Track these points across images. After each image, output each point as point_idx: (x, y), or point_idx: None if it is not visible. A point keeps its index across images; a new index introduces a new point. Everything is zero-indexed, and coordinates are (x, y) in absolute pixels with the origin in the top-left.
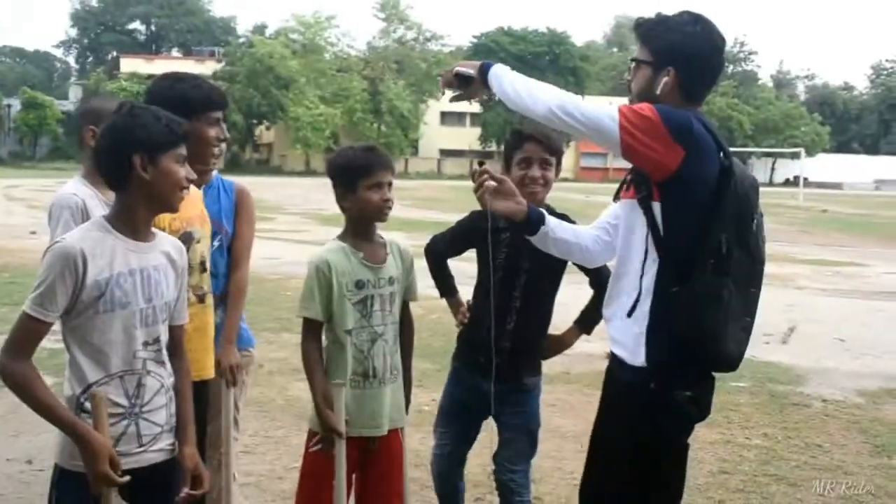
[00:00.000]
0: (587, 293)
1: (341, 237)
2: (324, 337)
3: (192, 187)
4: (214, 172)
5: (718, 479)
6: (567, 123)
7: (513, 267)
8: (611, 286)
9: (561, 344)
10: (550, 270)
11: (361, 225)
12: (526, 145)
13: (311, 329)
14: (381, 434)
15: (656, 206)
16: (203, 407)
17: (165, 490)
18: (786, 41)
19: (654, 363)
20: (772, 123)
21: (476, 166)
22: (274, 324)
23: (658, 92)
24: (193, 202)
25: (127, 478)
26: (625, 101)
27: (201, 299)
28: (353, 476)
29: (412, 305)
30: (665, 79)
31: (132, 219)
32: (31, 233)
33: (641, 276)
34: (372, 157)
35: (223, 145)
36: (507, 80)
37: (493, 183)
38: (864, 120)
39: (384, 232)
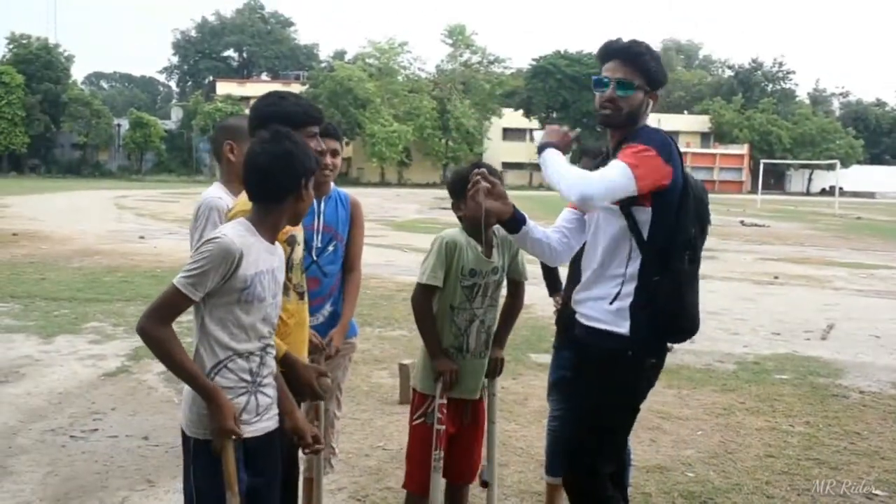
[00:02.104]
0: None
1: (465, 230)
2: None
3: None
4: (332, 185)
5: (764, 462)
6: (596, 205)
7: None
8: (590, 277)
9: None
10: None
11: (474, 228)
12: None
13: (428, 293)
14: (473, 397)
15: (639, 211)
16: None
17: (275, 455)
18: (821, 61)
19: (635, 335)
20: (809, 137)
21: (476, 169)
22: (356, 318)
23: (645, 112)
24: None
25: (252, 429)
26: (670, 116)
27: (301, 297)
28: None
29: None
30: (651, 102)
31: (275, 228)
32: (139, 237)
33: (626, 268)
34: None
35: (337, 159)
36: (551, 168)
37: (486, 185)
38: (895, 133)
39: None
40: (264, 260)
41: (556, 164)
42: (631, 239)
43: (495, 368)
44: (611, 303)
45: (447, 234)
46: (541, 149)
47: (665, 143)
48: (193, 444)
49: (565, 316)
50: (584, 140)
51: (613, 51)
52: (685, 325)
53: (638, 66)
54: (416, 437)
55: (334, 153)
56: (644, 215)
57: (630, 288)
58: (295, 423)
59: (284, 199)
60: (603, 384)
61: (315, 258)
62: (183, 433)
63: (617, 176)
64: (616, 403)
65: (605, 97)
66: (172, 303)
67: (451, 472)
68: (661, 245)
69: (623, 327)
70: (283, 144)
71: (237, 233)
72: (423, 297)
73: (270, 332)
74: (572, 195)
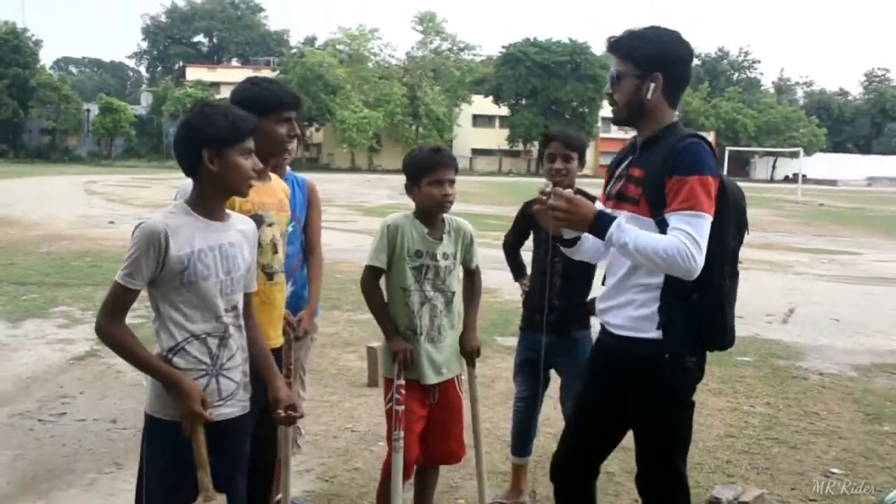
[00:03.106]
0: None
1: (414, 213)
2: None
3: (276, 178)
4: (288, 168)
5: (725, 441)
6: (700, 256)
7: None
8: (615, 284)
9: None
10: None
11: (425, 213)
12: (552, 143)
13: (374, 275)
14: (428, 382)
15: None
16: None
17: (239, 441)
18: (786, 51)
19: (667, 338)
20: (773, 125)
21: (545, 189)
22: (325, 302)
23: (648, 97)
24: (273, 191)
25: (214, 414)
26: None
27: (270, 277)
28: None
29: None
30: (653, 84)
31: (207, 203)
32: (109, 223)
33: (655, 278)
34: (435, 156)
35: (294, 142)
36: (636, 252)
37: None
38: (857, 122)
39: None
40: (203, 238)
41: (638, 246)
42: None
43: (473, 355)
44: (638, 308)
45: (390, 217)
46: (598, 232)
47: (706, 156)
48: (150, 422)
49: (531, 300)
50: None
51: (608, 47)
52: (726, 339)
53: (624, 53)
54: (389, 422)
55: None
56: None
57: (658, 294)
58: (274, 394)
59: (196, 171)
60: (655, 397)
61: None
62: (145, 412)
63: (698, 229)
64: (676, 411)
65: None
66: (117, 297)
67: (429, 455)
68: (705, 262)
69: (653, 332)
70: (188, 117)
71: (164, 214)
72: (369, 278)
73: (229, 310)
74: (676, 274)
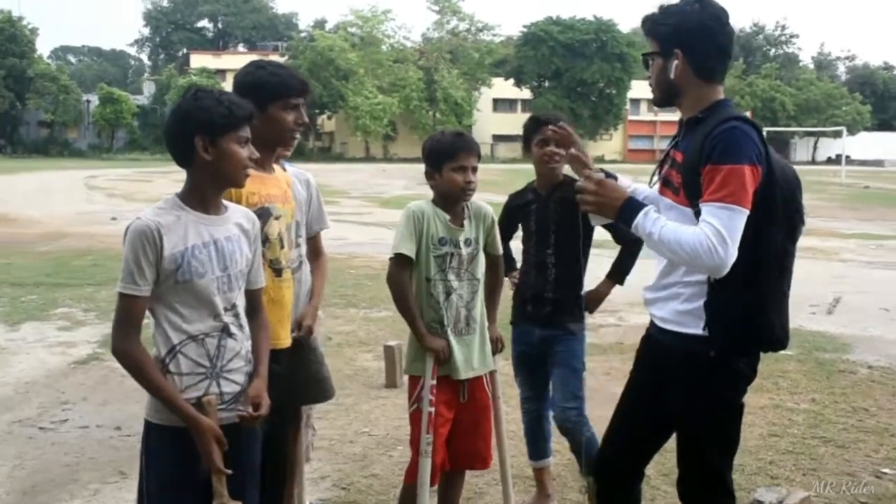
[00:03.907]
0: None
1: (434, 201)
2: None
3: (278, 169)
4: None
5: (769, 441)
6: (726, 251)
7: (543, 230)
8: (660, 276)
9: (599, 295)
10: (573, 229)
11: (446, 200)
12: (542, 128)
13: (402, 265)
14: (461, 377)
15: None
16: (279, 372)
17: (248, 447)
18: (826, 24)
19: (713, 335)
20: (814, 104)
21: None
22: (340, 300)
23: (673, 77)
24: (277, 182)
25: (229, 472)
26: None
27: (278, 273)
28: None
29: None
30: (675, 62)
31: (201, 195)
32: (111, 219)
33: (698, 275)
34: (458, 141)
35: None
36: (662, 243)
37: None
38: None
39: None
40: (197, 232)
41: (663, 237)
42: None
43: (494, 347)
44: (683, 302)
45: (413, 204)
46: (625, 219)
47: (745, 141)
48: (149, 428)
49: (522, 294)
50: (580, 111)
51: (643, 26)
52: (773, 340)
53: (651, 32)
54: (414, 425)
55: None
56: None
57: (704, 289)
58: (253, 391)
59: (191, 159)
60: (698, 396)
61: None
62: (145, 418)
63: (728, 224)
64: (720, 412)
65: None
66: (126, 310)
67: (456, 458)
68: (742, 253)
69: (698, 328)
70: (179, 103)
71: (153, 211)
72: (398, 269)
73: (229, 308)
74: (701, 271)
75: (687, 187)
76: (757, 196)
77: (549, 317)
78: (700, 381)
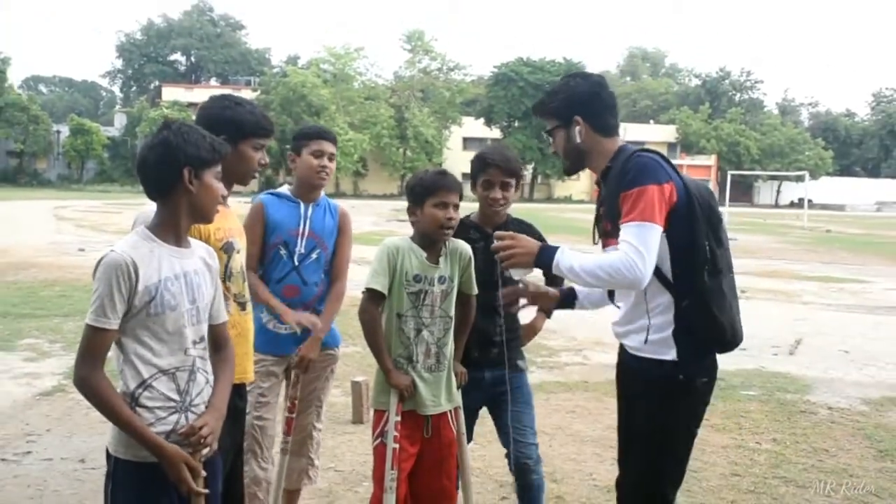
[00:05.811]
0: None
1: (412, 238)
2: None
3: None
4: (322, 193)
5: (730, 481)
6: (644, 263)
7: (489, 271)
8: (628, 310)
9: (533, 330)
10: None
11: (425, 237)
12: (489, 169)
13: (374, 300)
14: (426, 412)
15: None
16: (243, 407)
17: (212, 480)
18: (790, 70)
19: (683, 359)
20: (777, 148)
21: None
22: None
23: (579, 141)
24: (231, 217)
25: (206, 491)
26: (636, 126)
27: (243, 307)
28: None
29: None
30: (577, 128)
31: (175, 227)
32: (79, 250)
33: (658, 299)
34: (440, 179)
35: (332, 164)
36: (583, 273)
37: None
38: (865, 145)
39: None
40: (169, 265)
41: (584, 267)
42: (658, 270)
43: (459, 381)
44: (653, 333)
45: (389, 240)
46: (544, 263)
47: (647, 166)
48: (114, 463)
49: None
50: (547, 151)
51: (533, 114)
52: (725, 338)
53: (545, 112)
54: (377, 459)
55: (331, 157)
56: (662, 243)
57: (669, 317)
58: (200, 421)
59: (170, 193)
60: (662, 413)
61: (296, 264)
62: (107, 450)
63: (641, 238)
64: (679, 429)
65: None
66: (92, 342)
67: (419, 497)
68: (683, 268)
69: (670, 354)
70: (161, 134)
71: (126, 244)
72: (370, 304)
73: (197, 342)
74: (625, 286)
75: (616, 225)
76: (680, 210)
77: (498, 358)
78: (666, 403)
